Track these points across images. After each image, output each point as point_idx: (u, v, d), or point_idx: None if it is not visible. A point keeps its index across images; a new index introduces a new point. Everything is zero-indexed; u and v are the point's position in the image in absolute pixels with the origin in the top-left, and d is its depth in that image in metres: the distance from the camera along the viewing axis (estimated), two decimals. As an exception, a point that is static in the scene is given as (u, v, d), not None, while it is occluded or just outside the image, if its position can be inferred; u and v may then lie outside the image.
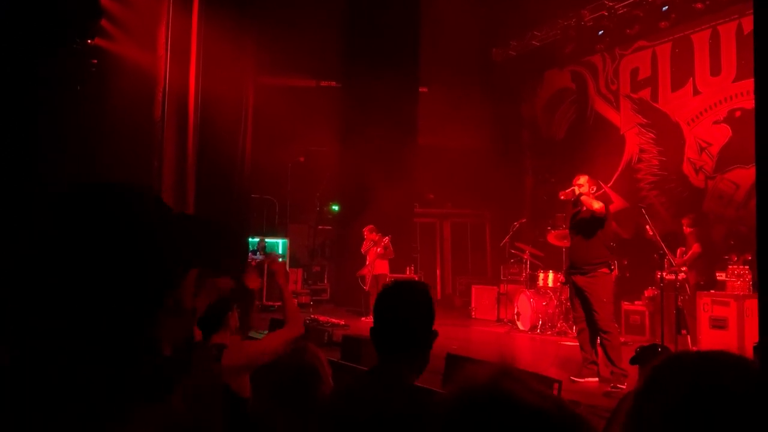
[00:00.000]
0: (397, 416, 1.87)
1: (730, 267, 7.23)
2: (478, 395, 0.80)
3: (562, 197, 6.36)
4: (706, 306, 6.96)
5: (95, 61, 10.38)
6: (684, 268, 8.07)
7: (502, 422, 0.76)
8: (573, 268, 6.20)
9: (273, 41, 11.27)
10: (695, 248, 8.40)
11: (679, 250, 8.55)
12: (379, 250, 10.72)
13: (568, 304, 9.52)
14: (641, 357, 3.96)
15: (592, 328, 6.00)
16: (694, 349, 7.33)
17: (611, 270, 6.10)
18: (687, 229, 8.74)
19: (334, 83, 13.41)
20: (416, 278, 12.37)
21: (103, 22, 10.49)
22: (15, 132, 9.19)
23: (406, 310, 2.01)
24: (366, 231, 10.99)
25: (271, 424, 2.38)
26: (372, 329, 2.04)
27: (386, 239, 10.72)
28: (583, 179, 6.30)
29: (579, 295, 6.11)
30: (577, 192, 6.21)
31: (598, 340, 5.99)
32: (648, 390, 1.06)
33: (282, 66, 12.25)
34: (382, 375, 2.00)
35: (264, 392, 2.70)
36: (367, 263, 10.87)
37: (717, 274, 7.51)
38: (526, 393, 0.79)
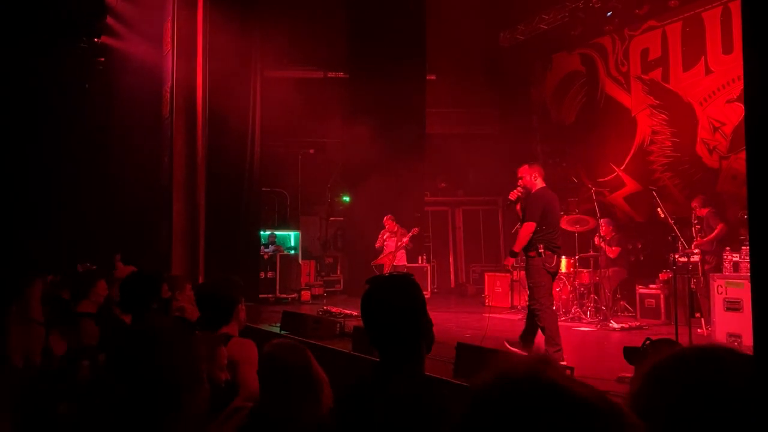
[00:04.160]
0: (407, 406, 1.88)
1: (743, 248, 7.10)
2: (520, 383, 0.76)
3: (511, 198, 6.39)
4: (719, 288, 6.85)
5: (102, 59, 10.44)
6: (697, 251, 7.95)
7: (547, 412, 0.73)
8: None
9: (279, 34, 11.24)
10: (720, 228, 8.21)
11: (695, 231, 8.44)
12: (405, 240, 10.79)
13: (582, 289, 9.51)
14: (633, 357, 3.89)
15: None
16: (707, 332, 7.25)
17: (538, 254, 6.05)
18: (701, 211, 8.60)
19: (341, 74, 13.35)
20: (428, 267, 12.37)
21: (109, 20, 10.54)
22: (24, 131, 9.27)
23: (388, 307, 2.02)
24: (387, 221, 11.02)
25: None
26: (364, 328, 2.07)
27: (415, 230, 10.82)
28: (521, 171, 6.43)
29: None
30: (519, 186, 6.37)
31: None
32: (646, 392, 1.04)
33: (289, 58, 12.22)
34: (386, 369, 2.00)
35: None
36: (386, 252, 10.90)
37: (732, 255, 7.39)
38: (569, 382, 0.76)
